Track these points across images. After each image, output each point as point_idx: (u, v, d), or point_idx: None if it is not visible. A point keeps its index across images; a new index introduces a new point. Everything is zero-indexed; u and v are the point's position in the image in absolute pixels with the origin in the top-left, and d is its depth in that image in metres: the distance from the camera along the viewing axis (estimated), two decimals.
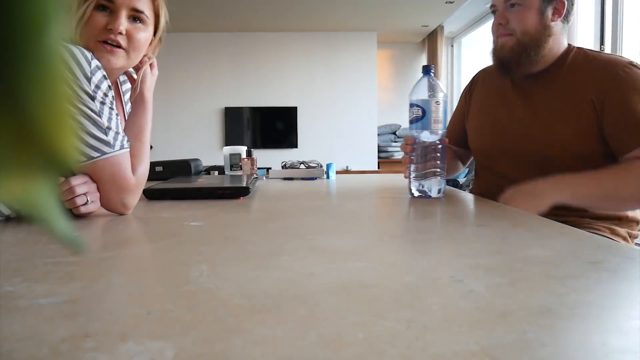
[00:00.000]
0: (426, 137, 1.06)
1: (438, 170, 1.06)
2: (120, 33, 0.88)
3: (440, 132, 1.05)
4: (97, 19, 0.87)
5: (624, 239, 1.14)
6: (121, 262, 0.55)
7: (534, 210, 0.99)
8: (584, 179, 1.05)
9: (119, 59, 0.90)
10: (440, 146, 1.06)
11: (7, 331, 0.33)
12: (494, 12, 1.20)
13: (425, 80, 1.06)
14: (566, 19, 1.16)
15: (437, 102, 1.04)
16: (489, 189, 1.28)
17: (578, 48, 1.19)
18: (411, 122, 1.07)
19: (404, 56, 6.38)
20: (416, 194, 1.08)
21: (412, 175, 1.08)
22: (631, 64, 1.09)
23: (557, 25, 1.15)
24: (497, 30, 1.19)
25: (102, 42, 0.88)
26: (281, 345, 0.31)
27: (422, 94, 1.05)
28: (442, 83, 6.01)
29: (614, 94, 1.07)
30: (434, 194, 1.06)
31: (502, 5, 1.17)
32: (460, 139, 1.40)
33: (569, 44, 1.19)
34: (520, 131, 1.18)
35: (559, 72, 1.16)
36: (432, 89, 1.05)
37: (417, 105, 1.05)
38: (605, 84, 1.08)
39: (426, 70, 1.07)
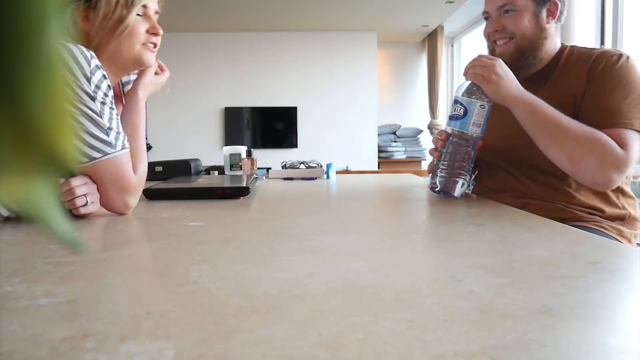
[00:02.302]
0: (467, 139, 1.05)
1: (464, 171, 1.06)
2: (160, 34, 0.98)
3: (475, 135, 1.04)
4: (138, 25, 0.93)
5: (629, 241, 1.14)
6: (121, 262, 0.55)
7: (488, 86, 1.02)
8: (548, 106, 1.04)
9: (155, 56, 0.99)
10: (472, 149, 1.05)
11: (7, 331, 0.33)
12: (486, 18, 1.20)
13: (473, 84, 1.06)
14: (558, 19, 1.17)
15: (482, 105, 1.03)
16: (490, 187, 1.28)
17: (571, 47, 1.19)
18: (450, 118, 1.06)
19: (404, 56, 6.37)
20: (441, 189, 1.07)
21: (439, 170, 1.07)
22: (620, 55, 1.09)
23: (551, 26, 1.16)
24: (492, 36, 1.19)
25: (145, 45, 0.95)
26: (281, 345, 0.31)
27: (468, 93, 1.05)
28: (442, 83, 6.07)
29: (595, 81, 1.08)
30: (455, 193, 1.06)
31: (496, 12, 1.16)
32: None
33: (562, 44, 1.20)
34: (516, 132, 1.17)
35: (553, 72, 1.17)
36: (481, 91, 1.04)
37: (461, 104, 1.04)
38: (590, 75, 1.09)
39: None
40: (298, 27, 5.66)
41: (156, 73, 1.02)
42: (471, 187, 1.19)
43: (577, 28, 3.28)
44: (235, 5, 4.78)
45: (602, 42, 3.25)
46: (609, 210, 1.13)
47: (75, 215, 0.82)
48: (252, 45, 5.78)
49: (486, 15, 1.20)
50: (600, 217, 1.13)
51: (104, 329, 0.33)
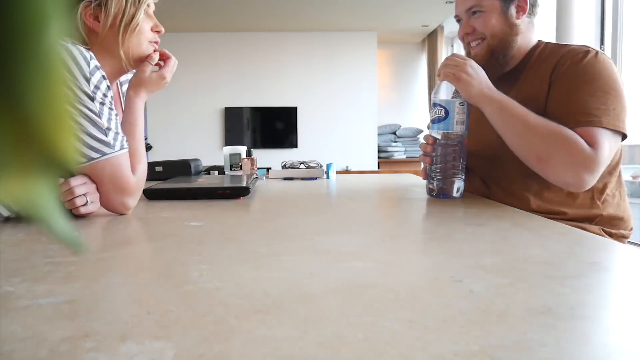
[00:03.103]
0: (453, 139, 1.06)
1: (459, 170, 1.07)
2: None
3: (461, 133, 1.05)
4: (144, 24, 0.95)
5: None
6: (121, 262, 0.55)
7: (458, 85, 1.02)
8: (517, 105, 1.03)
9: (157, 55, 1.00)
10: (460, 147, 1.06)
11: (7, 331, 0.33)
12: (458, 21, 1.20)
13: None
14: (531, 13, 1.15)
15: (461, 103, 1.05)
16: (471, 188, 1.27)
17: (546, 43, 1.17)
18: (433, 121, 1.07)
19: (404, 56, 6.37)
20: (439, 194, 1.07)
21: (433, 175, 1.08)
22: (587, 52, 1.07)
23: (523, 22, 1.14)
24: (465, 38, 1.19)
25: (150, 43, 0.97)
26: (281, 345, 0.31)
27: (446, 94, 1.06)
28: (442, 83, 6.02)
29: (561, 80, 1.06)
30: (454, 193, 1.07)
31: (465, 15, 1.16)
32: None
33: (538, 40, 1.18)
34: (488, 131, 1.16)
35: (524, 70, 1.15)
36: (457, 89, 1.05)
37: (440, 105, 1.05)
38: (554, 74, 1.07)
39: None
40: (298, 27, 5.66)
41: (158, 65, 1.00)
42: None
43: (577, 28, 3.28)
44: (235, 6, 4.78)
45: (602, 42, 3.25)
46: (572, 212, 1.10)
47: (75, 215, 0.82)
48: (252, 45, 5.78)
49: (457, 19, 1.20)
50: (561, 219, 1.07)
51: (104, 329, 0.33)
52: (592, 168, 0.99)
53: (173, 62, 1.01)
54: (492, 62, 1.14)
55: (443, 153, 1.06)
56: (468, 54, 1.19)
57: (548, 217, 1.01)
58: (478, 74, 1.04)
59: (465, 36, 1.18)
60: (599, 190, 1.11)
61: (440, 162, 1.07)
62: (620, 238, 1.12)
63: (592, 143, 0.99)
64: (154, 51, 0.98)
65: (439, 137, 1.06)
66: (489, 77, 1.11)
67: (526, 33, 1.15)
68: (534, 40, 1.18)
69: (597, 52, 1.07)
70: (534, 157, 1.03)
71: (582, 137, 0.99)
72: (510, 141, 1.05)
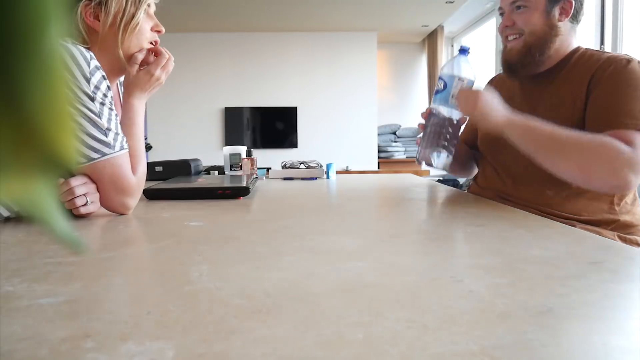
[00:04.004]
0: (446, 112, 1.09)
1: (445, 143, 1.10)
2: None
3: (455, 107, 1.09)
4: (144, 24, 0.95)
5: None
6: (121, 262, 0.55)
7: (481, 116, 1.05)
8: (542, 123, 1.03)
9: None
10: (450, 122, 1.09)
11: (7, 331, 0.33)
12: (501, 14, 1.21)
13: (457, 58, 1.11)
14: (575, 18, 1.15)
15: (460, 79, 1.08)
16: (481, 185, 1.28)
17: (585, 49, 1.17)
18: (434, 93, 1.12)
19: (404, 56, 6.37)
20: (421, 160, 1.13)
21: (422, 142, 1.13)
22: (629, 60, 1.07)
23: (565, 25, 1.14)
24: (504, 32, 1.19)
25: (150, 42, 0.97)
26: (281, 345, 0.31)
27: (449, 69, 1.10)
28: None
29: (602, 85, 1.06)
30: (435, 164, 1.11)
31: (508, 8, 1.17)
32: (475, 140, 1.40)
33: (578, 46, 1.18)
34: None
35: (561, 72, 1.16)
36: (460, 67, 1.08)
37: (441, 78, 1.10)
38: (597, 78, 1.07)
39: (462, 50, 1.11)
40: (298, 28, 5.66)
41: (147, 62, 0.97)
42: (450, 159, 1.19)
43: (577, 28, 3.28)
44: (235, 6, 4.78)
45: (602, 42, 3.25)
46: (588, 215, 1.10)
47: (75, 215, 0.82)
48: (252, 45, 5.78)
49: (501, 12, 1.21)
50: (577, 221, 1.09)
51: (104, 329, 0.33)
52: (636, 167, 0.99)
53: (163, 59, 0.97)
54: (528, 59, 1.15)
55: (432, 123, 1.11)
56: (504, 48, 1.21)
57: (563, 219, 1.02)
58: (491, 104, 1.06)
59: (505, 29, 1.19)
60: (619, 196, 1.11)
61: (429, 132, 1.11)
62: (635, 244, 1.11)
63: (631, 144, 0.99)
64: (149, 50, 0.97)
65: (434, 107, 1.11)
66: (523, 74, 1.14)
67: (566, 36, 1.16)
68: (573, 45, 1.18)
69: (639, 61, 1.08)
70: (575, 170, 1.02)
71: (620, 139, 0.99)
72: (544, 161, 1.04)
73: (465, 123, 1.46)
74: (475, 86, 1.11)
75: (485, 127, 1.07)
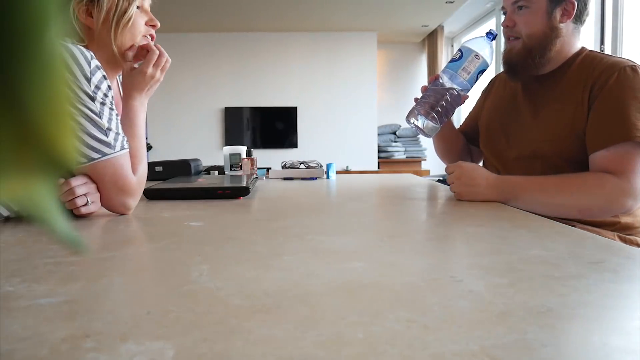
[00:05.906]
0: (451, 82, 1.10)
1: (437, 112, 1.10)
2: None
3: (461, 80, 1.09)
4: (138, 18, 0.95)
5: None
6: (121, 262, 0.55)
7: (468, 197, 1.05)
8: (533, 185, 1.04)
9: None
10: (449, 94, 1.09)
11: (7, 331, 0.33)
12: (504, 13, 1.20)
13: (483, 38, 1.12)
14: (578, 19, 1.14)
15: (477, 55, 1.09)
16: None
17: (589, 51, 1.16)
18: (449, 61, 1.14)
19: (404, 56, 6.37)
20: (411, 120, 1.13)
21: (417, 103, 1.14)
22: (633, 67, 1.05)
23: (567, 26, 1.13)
24: (505, 32, 1.19)
25: (144, 37, 0.97)
26: (281, 345, 0.31)
27: (471, 43, 1.11)
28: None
29: (605, 92, 1.05)
30: (422, 127, 1.12)
31: (510, 7, 1.16)
32: (474, 134, 1.40)
33: (582, 47, 1.17)
34: (521, 133, 1.18)
35: (565, 74, 1.14)
36: (481, 46, 1.09)
37: (460, 50, 1.12)
38: (601, 84, 1.06)
39: (489, 33, 1.13)
40: (298, 28, 5.66)
41: (140, 57, 0.95)
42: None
43: (581, 29, 3.28)
44: (235, 6, 4.78)
45: (602, 42, 3.25)
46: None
47: (75, 215, 0.82)
48: (252, 45, 5.78)
49: (504, 11, 1.21)
50: (577, 221, 1.09)
51: (104, 329, 0.33)
52: (630, 192, 1.01)
53: (154, 56, 0.94)
54: (529, 61, 1.15)
55: (430, 88, 1.13)
56: (505, 47, 1.21)
57: (564, 219, 1.03)
58: (473, 180, 1.05)
59: (505, 29, 1.19)
60: None
61: (426, 94, 1.13)
62: (635, 245, 1.11)
63: (622, 170, 1.00)
64: (140, 47, 0.95)
65: (442, 73, 1.12)
66: (525, 76, 1.15)
67: (569, 38, 1.14)
68: (577, 47, 1.17)
69: None
70: (575, 213, 1.05)
71: (605, 169, 1.01)
72: (543, 213, 1.04)
73: (468, 114, 1.47)
74: (485, 74, 1.12)
75: (475, 199, 1.05)
